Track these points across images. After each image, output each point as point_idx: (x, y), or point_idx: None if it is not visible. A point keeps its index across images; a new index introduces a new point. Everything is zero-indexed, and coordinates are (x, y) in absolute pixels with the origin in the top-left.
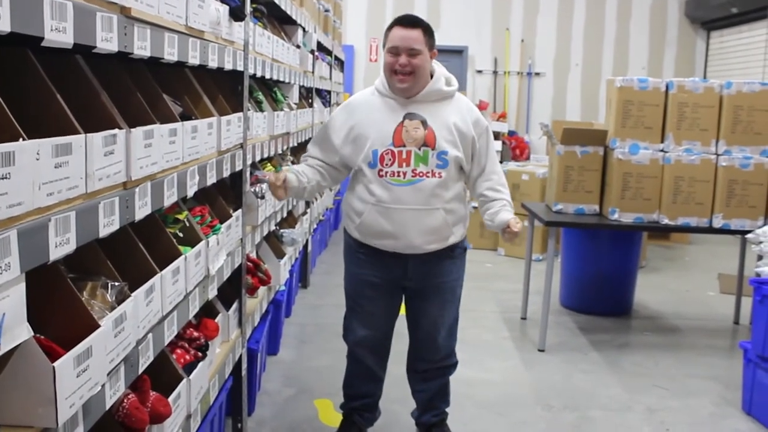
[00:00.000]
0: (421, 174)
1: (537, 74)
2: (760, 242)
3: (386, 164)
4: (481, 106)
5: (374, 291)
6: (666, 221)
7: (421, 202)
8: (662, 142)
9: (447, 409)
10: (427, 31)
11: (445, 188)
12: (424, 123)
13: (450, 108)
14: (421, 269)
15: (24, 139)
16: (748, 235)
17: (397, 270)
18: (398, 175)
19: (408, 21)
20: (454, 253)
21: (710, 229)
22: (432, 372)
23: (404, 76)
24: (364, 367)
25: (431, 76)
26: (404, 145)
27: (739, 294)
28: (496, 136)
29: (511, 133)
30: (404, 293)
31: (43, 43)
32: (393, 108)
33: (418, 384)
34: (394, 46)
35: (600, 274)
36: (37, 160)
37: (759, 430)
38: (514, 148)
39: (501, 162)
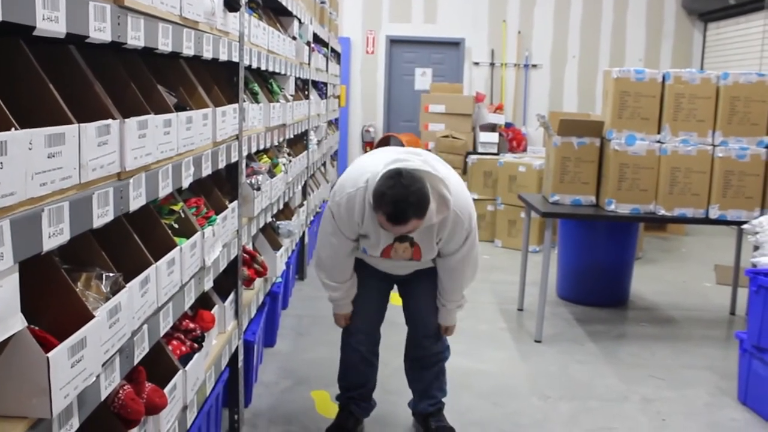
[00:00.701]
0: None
1: (534, 66)
2: (756, 233)
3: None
4: (478, 98)
5: (367, 277)
6: (662, 212)
7: (409, 265)
8: (659, 133)
9: (444, 399)
10: (418, 214)
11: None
12: (411, 243)
13: (437, 230)
14: (412, 273)
15: (16, 129)
16: (745, 226)
17: (388, 276)
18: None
19: (396, 218)
20: None
21: (706, 220)
22: (426, 359)
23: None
24: (359, 356)
25: None
26: (391, 258)
27: (735, 285)
28: (493, 128)
29: (508, 125)
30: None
31: (35, 33)
32: (384, 231)
33: (413, 373)
34: (390, 232)
35: (596, 265)
36: (30, 150)
37: (754, 419)
38: (511, 139)
39: (497, 154)
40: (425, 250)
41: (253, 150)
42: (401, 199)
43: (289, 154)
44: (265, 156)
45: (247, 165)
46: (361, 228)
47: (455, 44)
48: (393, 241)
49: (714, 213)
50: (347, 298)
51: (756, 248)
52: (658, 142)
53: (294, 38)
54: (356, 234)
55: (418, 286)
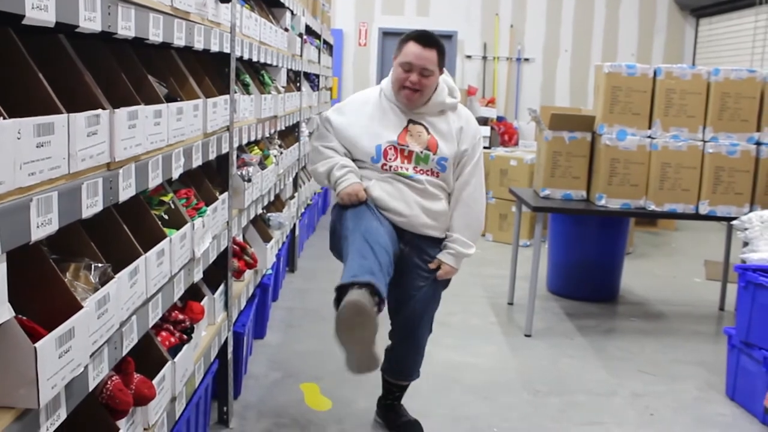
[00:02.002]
0: (422, 171)
1: (526, 60)
2: (746, 229)
3: (389, 158)
4: (470, 92)
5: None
6: (653, 207)
7: (424, 191)
8: (650, 128)
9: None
10: (442, 52)
11: (443, 188)
12: (427, 130)
13: (451, 117)
14: (415, 241)
15: (5, 118)
16: (734, 222)
17: (397, 231)
18: (400, 169)
19: (425, 40)
20: (441, 244)
21: (696, 216)
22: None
23: (412, 93)
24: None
25: (435, 89)
26: (407, 145)
27: (724, 280)
28: (485, 121)
29: (500, 119)
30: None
31: (24, 21)
32: (397, 113)
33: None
34: (407, 62)
35: (587, 259)
36: (18, 139)
37: (742, 414)
38: (503, 133)
39: (489, 147)
40: (441, 142)
41: (244, 141)
42: (431, 32)
43: (280, 146)
44: (256, 147)
45: (237, 156)
46: (364, 122)
47: (447, 37)
48: (407, 123)
49: (704, 209)
50: (347, 165)
51: (745, 244)
52: (649, 137)
53: (286, 30)
54: (346, 129)
55: (408, 271)
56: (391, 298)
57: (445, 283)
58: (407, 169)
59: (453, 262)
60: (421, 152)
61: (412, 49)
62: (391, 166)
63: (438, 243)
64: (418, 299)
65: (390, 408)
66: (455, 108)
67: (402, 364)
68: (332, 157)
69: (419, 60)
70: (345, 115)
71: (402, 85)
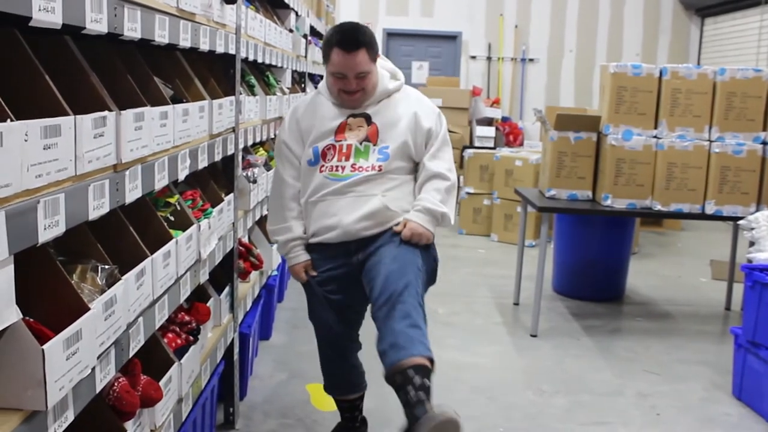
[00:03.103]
0: (360, 169)
1: (531, 60)
2: (752, 228)
3: (327, 159)
4: (475, 92)
5: (336, 283)
6: (659, 207)
7: (356, 191)
8: (655, 128)
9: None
10: (370, 46)
11: (385, 179)
12: (368, 120)
13: (400, 101)
14: (364, 246)
15: (12, 121)
16: (740, 222)
17: (342, 253)
18: (336, 170)
19: (348, 44)
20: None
21: (703, 216)
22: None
23: (354, 96)
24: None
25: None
26: (345, 139)
27: (730, 280)
28: (490, 122)
29: (505, 119)
30: (358, 286)
31: (31, 23)
32: (335, 109)
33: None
34: (338, 71)
35: (592, 259)
36: (26, 141)
37: (748, 414)
38: (508, 134)
39: (494, 148)
40: (383, 130)
41: (250, 143)
42: (351, 26)
43: None
44: (261, 149)
45: (243, 158)
46: (311, 117)
47: (452, 38)
48: (347, 117)
49: (710, 208)
50: (297, 239)
51: (752, 244)
52: (655, 137)
53: (291, 31)
54: (301, 136)
55: (377, 256)
56: (366, 287)
57: (421, 249)
58: (343, 169)
59: (419, 218)
60: (360, 144)
61: (339, 58)
62: (327, 167)
63: (384, 232)
64: (388, 262)
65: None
66: (400, 89)
67: (395, 337)
68: (284, 222)
69: (349, 68)
70: (294, 128)
71: (340, 90)
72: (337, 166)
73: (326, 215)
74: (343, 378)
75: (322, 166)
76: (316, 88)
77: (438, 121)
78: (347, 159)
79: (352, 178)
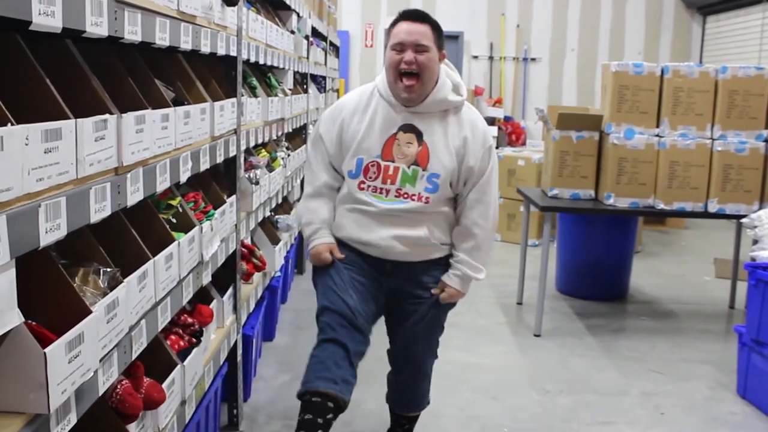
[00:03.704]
0: (406, 195)
1: (533, 59)
2: (755, 226)
3: (369, 177)
4: (477, 92)
5: (365, 278)
6: (661, 206)
7: (401, 222)
8: (657, 126)
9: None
10: (436, 28)
11: (432, 215)
12: (419, 137)
13: (453, 123)
14: (399, 270)
15: (13, 125)
16: (744, 220)
17: (377, 268)
18: (381, 192)
19: (414, 15)
20: (441, 264)
21: (705, 214)
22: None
23: (411, 81)
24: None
25: (436, 83)
26: (393, 160)
27: (734, 278)
28: (492, 121)
29: (507, 119)
30: (386, 297)
31: (31, 27)
32: (388, 115)
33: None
34: (398, 42)
35: (596, 259)
36: (26, 145)
37: (753, 413)
38: (510, 133)
39: (497, 148)
40: (434, 154)
41: (252, 144)
42: (418, 9)
43: (287, 148)
44: (263, 150)
45: (245, 159)
46: (359, 117)
47: (454, 38)
48: (397, 130)
49: (713, 207)
50: (322, 221)
51: (755, 242)
52: (657, 135)
53: (292, 32)
54: (340, 133)
55: (404, 309)
56: (387, 324)
57: (450, 306)
58: (387, 193)
59: (458, 285)
60: (409, 168)
61: (402, 27)
62: (369, 186)
63: (427, 267)
64: (416, 327)
65: None
66: (459, 109)
67: (407, 394)
68: (313, 209)
69: (411, 35)
70: (335, 124)
71: (397, 70)
72: (381, 189)
73: (364, 229)
74: (337, 368)
75: (362, 182)
76: (318, 90)
77: (488, 155)
78: (393, 183)
79: (396, 205)
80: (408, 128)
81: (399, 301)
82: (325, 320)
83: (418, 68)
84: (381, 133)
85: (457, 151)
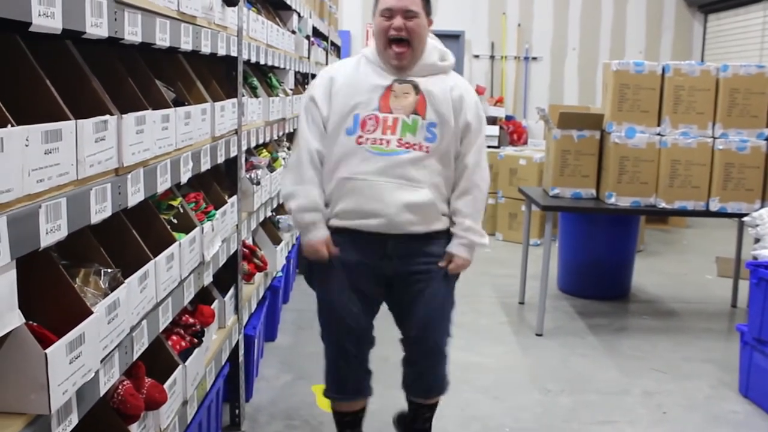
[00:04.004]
0: (407, 145)
1: (534, 59)
2: (757, 225)
3: (368, 130)
4: (478, 91)
5: (364, 274)
6: (663, 205)
7: (405, 176)
8: (659, 125)
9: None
10: None
11: (433, 167)
12: (416, 88)
13: (447, 81)
14: (400, 248)
15: (13, 126)
16: (745, 218)
17: (376, 250)
18: (380, 143)
19: None
20: (441, 238)
21: (707, 213)
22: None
23: (401, 48)
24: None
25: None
26: (391, 111)
27: (736, 277)
28: (494, 120)
29: (509, 118)
30: (385, 288)
31: (31, 29)
32: (380, 73)
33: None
34: (387, 7)
35: (597, 258)
36: (26, 146)
37: (755, 412)
38: (512, 132)
39: (498, 147)
40: (432, 103)
41: (253, 144)
42: None
43: (288, 148)
44: (264, 150)
45: (246, 159)
46: (350, 77)
47: (455, 37)
48: (392, 82)
49: (714, 205)
50: (315, 209)
51: (757, 240)
52: (658, 134)
53: (293, 32)
54: (331, 95)
55: (411, 287)
56: (395, 313)
57: (456, 276)
58: (388, 143)
59: (467, 253)
60: (408, 117)
61: None
62: (368, 139)
63: (428, 241)
64: (429, 305)
65: None
66: (448, 72)
67: (427, 380)
68: (301, 184)
69: (399, 1)
70: (327, 85)
71: (386, 36)
72: (381, 140)
73: (366, 197)
74: (355, 380)
75: (361, 137)
76: None
77: (480, 120)
78: (393, 132)
79: (399, 155)
80: (403, 81)
81: (404, 283)
82: (331, 339)
83: (408, 34)
84: (375, 87)
85: (454, 104)
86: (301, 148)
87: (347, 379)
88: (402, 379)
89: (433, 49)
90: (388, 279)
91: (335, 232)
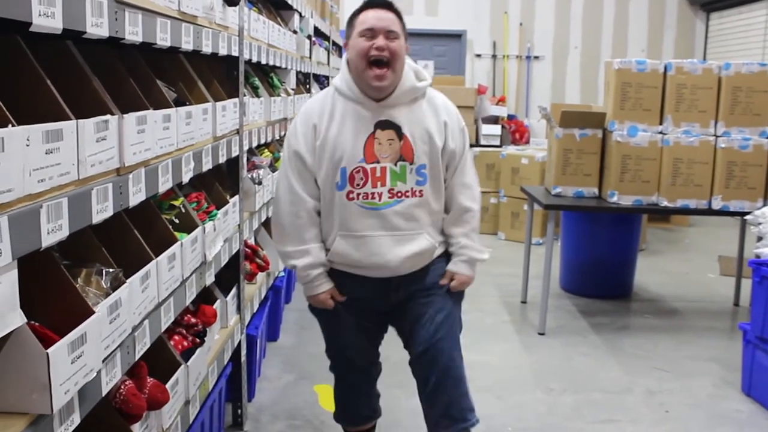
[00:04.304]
0: (399, 194)
1: (536, 58)
2: (760, 223)
3: (357, 185)
4: (480, 91)
5: (367, 310)
6: (665, 203)
7: (401, 227)
8: (661, 124)
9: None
10: (401, 18)
11: (428, 208)
12: (398, 132)
13: (427, 109)
14: (403, 284)
15: (14, 126)
16: (748, 217)
17: (379, 287)
18: (372, 198)
19: (381, 3)
20: (442, 258)
21: (709, 211)
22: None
23: (382, 70)
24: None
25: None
26: (378, 161)
27: (738, 276)
28: (496, 120)
29: (511, 117)
30: (390, 317)
31: (32, 29)
32: (360, 115)
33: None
34: (368, 27)
35: (600, 257)
36: (27, 146)
37: (758, 410)
38: (514, 132)
39: (500, 146)
40: (417, 145)
41: (254, 144)
42: None
43: None
44: (266, 150)
45: (248, 159)
46: (331, 125)
47: (457, 36)
48: (374, 129)
49: (717, 204)
50: (320, 265)
51: (759, 239)
52: (660, 133)
53: (295, 32)
54: (315, 146)
55: (418, 305)
56: (403, 335)
57: (460, 295)
58: (380, 196)
59: (468, 269)
60: (396, 165)
61: (369, 14)
62: (359, 194)
63: (432, 265)
64: (434, 319)
65: None
66: (425, 94)
67: (443, 402)
68: (302, 244)
69: (381, 21)
70: (309, 135)
71: (367, 58)
72: (372, 194)
73: (364, 253)
74: (365, 407)
75: (351, 192)
76: (321, 88)
77: (462, 135)
78: (383, 184)
79: (393, 206)
80: (385, 125)
81: (411, 304)
82: (341, 375)
83: (390, 55)
84: (357, 136)
85: (439, 133)
86: (293, 203)
87: (359, 411)
88: (424, 418)
89: (409, 69)
90: (392, 306)
91: (335, 274)
